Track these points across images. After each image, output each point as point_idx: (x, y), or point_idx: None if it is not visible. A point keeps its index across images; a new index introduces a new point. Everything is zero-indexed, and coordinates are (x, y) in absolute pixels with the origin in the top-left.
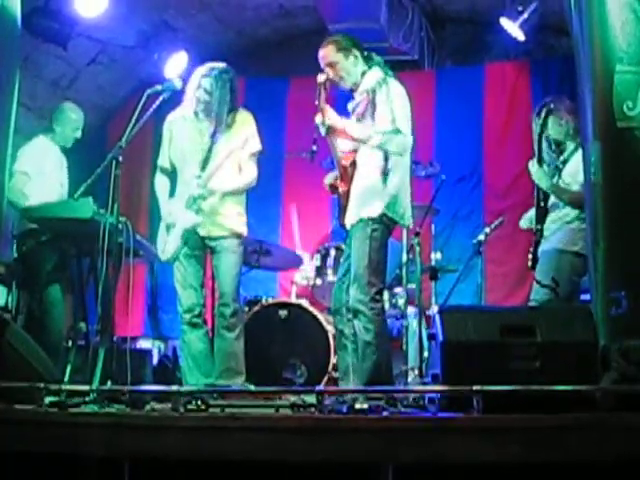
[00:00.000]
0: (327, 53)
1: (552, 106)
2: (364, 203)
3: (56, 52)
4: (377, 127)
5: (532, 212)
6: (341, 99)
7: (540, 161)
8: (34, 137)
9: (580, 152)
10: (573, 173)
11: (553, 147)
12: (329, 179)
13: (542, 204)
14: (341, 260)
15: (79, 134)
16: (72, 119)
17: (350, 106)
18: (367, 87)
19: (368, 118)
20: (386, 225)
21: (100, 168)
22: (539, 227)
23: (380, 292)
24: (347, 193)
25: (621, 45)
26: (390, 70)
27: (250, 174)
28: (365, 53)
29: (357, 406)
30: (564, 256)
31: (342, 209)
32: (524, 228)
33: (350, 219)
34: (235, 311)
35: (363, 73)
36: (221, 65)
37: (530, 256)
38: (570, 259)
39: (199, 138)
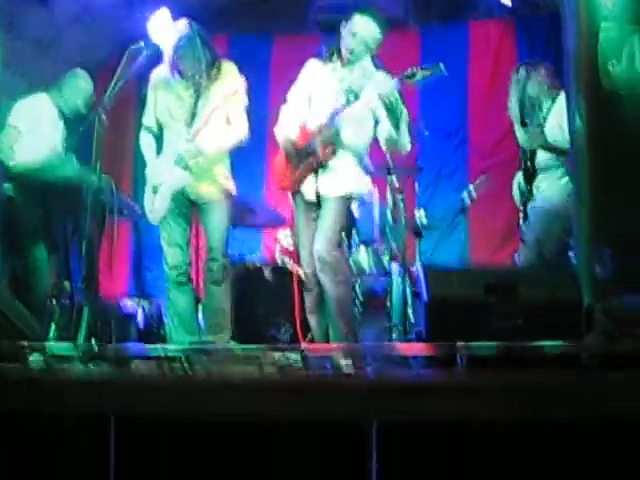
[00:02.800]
0: (371, 30)
1: (530, 67)
2: (351, 180)
3: (38, 11)
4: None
5: (519, 177)
6: None
7: (523, 124)
8: (34, 93)
9: (557, 104)
10: (557, 125)
11: (530, 105)
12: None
13: (529, 164)
14: (301, 225)
15: (82, 105)
16: (80, 86)
17: (341, 75)
18: (372, 75)
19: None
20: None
21: (83, 127)
22: (528, 187)
23: None
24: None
25: (606, 3)
26: None
27: (241, 128)
28: None
29: (342, 363)
30: (553, 215)
31: (306, 170)
32: (517, 196)
33: (333, 190)
34: (223, 266)
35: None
36: (183, 24)
37: (520, 214)
38: (559, 217)
39: (184, 94)
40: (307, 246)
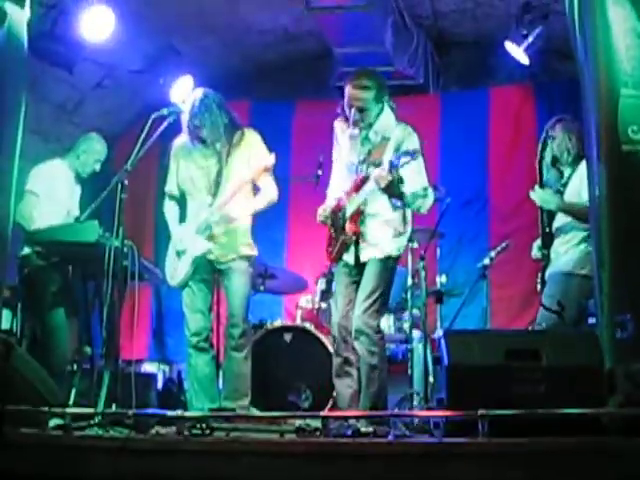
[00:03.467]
0: (365, 98)
1: (566, 124)
2: (387, 241)
3: (62, 76)
4: (410, 188)
5: (540, 240)
6: None
7: (542, 185)
8: (50, 159)
9: (578, 173)
10: (575, 193)
11: (553, 168)
12: (324, 214)
13: (547, 229)
14: (339, 289)
15: (98, 167)
16: (96, 149)
17: (360, 141)
18: (391, 135)
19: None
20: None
21: (105, 192)
22: (545, 252)
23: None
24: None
25: (626, 69)
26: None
27: (271, 191)
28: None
29: (362, 430)
30: (572, 279)
31: (342, 245)
32: (537, 258)
33: (370, 254)
34: (244, 332)
35: (378, 114)
36: (199, 94)
37: (538, 280)
38: (578, 282)
39: (205, 163)
40: (341, 310)
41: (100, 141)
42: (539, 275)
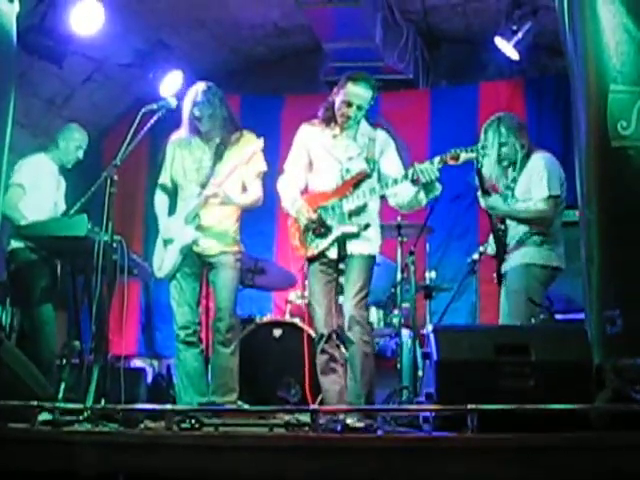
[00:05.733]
0: (366, 97)
1: (508, 121)
2: (373, 240)
3: (51, 70)
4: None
5: (491, 239)
6: None
7: (484, 191)
8: (34, 153)
9: (526, 170)
10: (525, 191)
11: (499, 166)
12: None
13: (498, 225)
14: (318, 287)
15: (81, 154)
16: (76, 138)
17: (347, 138)
18: (375, 137)
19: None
20: None
21: (95, 186)
22: (496, 248)
23: None
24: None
25: (615, 65)
26: None
27: (256, 193)
28: None
29: (352, 425)
30: (531, 269)
31: (328, 241)
32: (491, 255)
33: (358, 249)
34: (231, 326)
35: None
36: (202, 86)
37: (495, 275)
38: (537, 272)
39: (200, 156)
40: (325, 307)
41: (78, 129)
42: (495, 271)
